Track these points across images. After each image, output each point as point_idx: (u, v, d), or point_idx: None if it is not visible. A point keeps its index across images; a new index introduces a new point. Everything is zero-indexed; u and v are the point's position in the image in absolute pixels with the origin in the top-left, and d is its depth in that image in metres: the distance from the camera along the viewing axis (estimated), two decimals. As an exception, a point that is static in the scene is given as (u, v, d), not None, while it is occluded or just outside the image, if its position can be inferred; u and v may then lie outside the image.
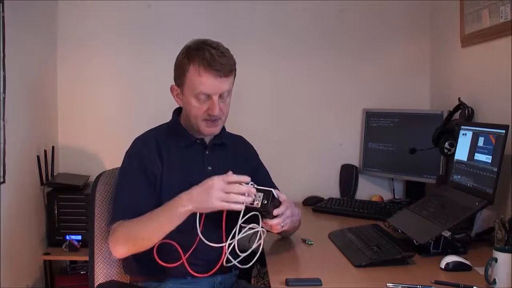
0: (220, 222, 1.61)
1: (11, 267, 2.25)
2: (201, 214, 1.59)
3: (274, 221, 1.64)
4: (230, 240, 1.60)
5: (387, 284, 1.47)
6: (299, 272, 1.72)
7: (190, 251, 1.63)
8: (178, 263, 1.62)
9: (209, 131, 1.75)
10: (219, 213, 1.60)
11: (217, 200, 1.53)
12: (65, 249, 2.52)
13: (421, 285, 1.47)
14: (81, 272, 2.64)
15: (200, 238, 1.58)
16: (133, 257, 1.71)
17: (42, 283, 2.59)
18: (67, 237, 2.53)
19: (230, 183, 1.56)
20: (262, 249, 1.81)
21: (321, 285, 1.50)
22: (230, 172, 1.59)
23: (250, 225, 1.62)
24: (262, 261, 1.81)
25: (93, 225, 1.81)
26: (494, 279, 1.48)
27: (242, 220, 1.58)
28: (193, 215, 1.58)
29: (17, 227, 2.33)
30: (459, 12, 2.41)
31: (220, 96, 1.71)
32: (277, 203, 1.65)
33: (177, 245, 1.62)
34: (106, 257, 1.80)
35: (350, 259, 1.73)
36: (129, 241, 1.61)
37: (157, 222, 1.59)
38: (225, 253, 1.61)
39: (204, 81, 1.67)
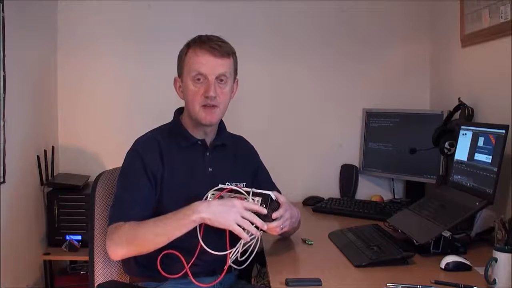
0: (220, 234, 1.60)
1: (11, 267, 2.25)
2: (201, 224, 1.59)
3: (273, 224, 1.64)
4: (231, 246, 1.60)
5: (387, 284, 1.47)
6: (299, 272, 1.73)
7: (193, 259, 1.62)
8: (181, 273, 1.61)
9: (206, 119, 1.73)
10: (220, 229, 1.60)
11: (233, 221, 1.56)
12: (65, 249, 2.51)
13: (421, 285, 1.47)
14: (81, 272, 2.64)
15: (204, 240, 1.59)
16: (133, 257, 1.71)
17: (42, 283, 2.59)
18: (67, 237, 2.53)
19: (248, 210, 1.58)
20: (262, 249, 1.82)
21: (321, 285, 1.50)
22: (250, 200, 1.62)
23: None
24: (262, 261, 1.81)
25: (93, 225, 1.81)
26: (494, 279, 1.48)
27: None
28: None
29: (17, 227, 2.32)
30: (459, 12, 2.41)
31: (218, 80, 1.72)
32: (275, 206, 1.65)
33: (180, 255, 1.61)
34: (106, 257, 1.79)
35: (350, 259, 1.73)
36: (131, 244, 1.60)
37: (165, 228, 1.58)
38: (228, 262, 1.60)
39: (201, 60, 1.71)
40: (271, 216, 1.62)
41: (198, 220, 1.57)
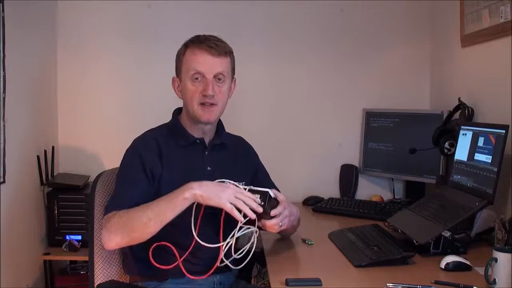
0: (217, 221, 1.61)
1: (11, 267, 2.25)
2: (196, 217, 1.59)
3: (271, 222, 1.64)
4: (227, 239, 1.60)
5: (387, 284, 1.47)
6: (299, 272, 1.73)
7: (187, 253, 1.62)
8: (174, 264, 1.61)
9: (205, 117, 1.74)
10: (216, 213, 1.60)
11: (226, 199, 1.56)
12: (65, 249, 2.51)
13: (421, 285, 1.47)
14: (81, 272, 2.64)
15: (201, 235, 1.59)
16: (132, 257, 1.72)
17: (42, 283, 2.59)
18: (67, 237, 2.53)
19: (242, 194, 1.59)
20: (262, 249, 1.82)
21: (321, 285, 1.50)
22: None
23: (246, 227, 1.62)
24: (262, 261, 1.81)
25: (93, 225, 1.81)
26: (494, 279, 1.48)
27: (242, 224, 1.59)
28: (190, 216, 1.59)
29: (17, 227, 2.32)
30: (459, 12, 2.41)
31: (216, 79, 1.73)
32: (274, 203, 1.65)
33: (173, 247, 1.62)
34: (106, 257, 1.80)
35: (350, 259, 1.73)
36: (125, 229, 1.58)
37: (158, 209, 1.57)
38: (221, 254, 1.60)
39: (199, 59, 1.72)
40: (269, 213, 1.62)
41: (191, 198, 1.56)
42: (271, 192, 1.64)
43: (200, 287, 1.70)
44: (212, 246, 1.59)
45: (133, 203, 1.63)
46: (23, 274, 2.42)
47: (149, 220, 1.56)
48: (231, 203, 1.56)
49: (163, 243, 1.62)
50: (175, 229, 1.60)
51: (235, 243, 1.61)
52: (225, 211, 1.58)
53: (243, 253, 1.65)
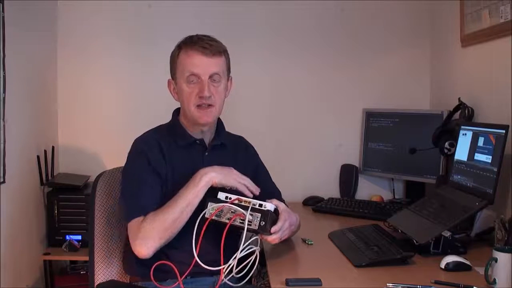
0: (219, 237, 1.60)
1: (11, 267, 2.25)
2: (197, 238, 1.58)
3: (272, 237, 1.65)
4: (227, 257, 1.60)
5: (387, 284, 1.47)
6: (299, 272, 1.73)
7: (188, 271, 1.61)
8: (174, 285, 1.61)
9: (202, 119, 1.74)
10: (218, 231, 1.60)
11: (234, 180, 1.69)
12: (65, 249, 2.52)
13: (421, 285, 1.47)
14: (81, 272, 2.65)
15: (201, 244, 1.58)
16: (133, 257, 1.71)
17: (42, 283, 2.59)
18: (67, 237, 2.53)
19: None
20: (262, 249, 1.82)
21: (321, 285, 1.50)
22: None
23: (248, 247, 1.62)
24: (262, 261, 1.81)
25: (93, 225, 1.81)
26: (494, 279, 1.48)
27: (244, 245, 1.61)
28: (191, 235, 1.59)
29: (17, 227, 2.33)
30: (459, 12, 2.41)
31: (211, 79, 1.72)
32: (275, 217, 1.65)
33: (173, 266, 1.62)
34: (106, 257, 1.80)
35: (350, 259, 1.73)
36: (161, 230, 1.60)
37: (186, 199, 1.63)
38: (221, 277, 1.59)
39: (193, 60, 1.72)
40: (270, 229, 1.62)
41: (210, 181, 1.66)
42: (272, 208, 1.64)
43: (201, 287, 1.70)
44: (213, 269, 1.58)
45: (152, 205, 1.64)
46: (23, 274, 2.42)
47: (181, 212, 1.62)
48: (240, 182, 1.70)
49: (164, 262, 1.62)
50: (177, 248, 1.63)
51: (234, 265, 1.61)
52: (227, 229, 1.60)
53: (244, 271, 1.64)
